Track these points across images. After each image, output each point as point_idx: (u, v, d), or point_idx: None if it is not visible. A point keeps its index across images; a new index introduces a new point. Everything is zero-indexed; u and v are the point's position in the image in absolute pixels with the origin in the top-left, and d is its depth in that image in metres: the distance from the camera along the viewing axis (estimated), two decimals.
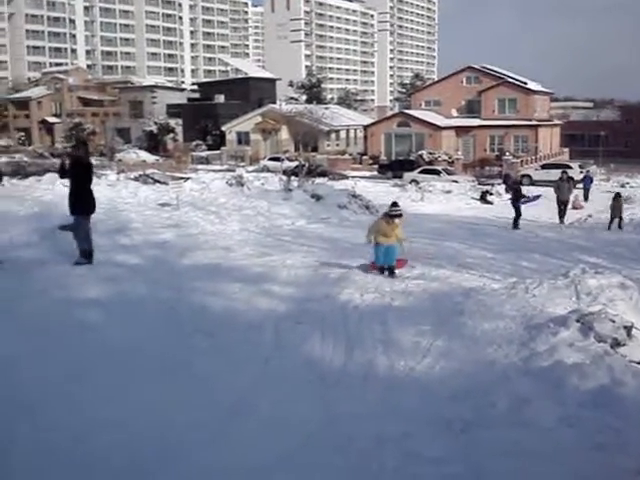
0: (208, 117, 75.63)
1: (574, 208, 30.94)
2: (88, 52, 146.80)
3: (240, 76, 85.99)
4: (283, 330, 8.31)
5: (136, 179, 27.25)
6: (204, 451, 5.21)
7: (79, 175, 12.01)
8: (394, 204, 12.91)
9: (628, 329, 6.87)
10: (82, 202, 11.96)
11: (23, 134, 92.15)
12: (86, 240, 12.15)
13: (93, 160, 12.83)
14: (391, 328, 8.15)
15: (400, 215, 12.71)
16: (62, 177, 12.49)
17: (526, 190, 23.67)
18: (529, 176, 46.03)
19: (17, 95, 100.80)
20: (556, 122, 78.38)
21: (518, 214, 22.77)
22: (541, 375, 5.95)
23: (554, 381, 5.74)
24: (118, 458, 5.06)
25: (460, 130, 67.51)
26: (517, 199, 23.26)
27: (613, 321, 6.91)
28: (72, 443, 5.28)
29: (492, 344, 7.18)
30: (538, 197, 23.70)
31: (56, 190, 20.91)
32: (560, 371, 5.91)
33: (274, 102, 76.26)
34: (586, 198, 35.47)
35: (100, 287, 10.36)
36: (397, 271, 12.23)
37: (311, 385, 6.51)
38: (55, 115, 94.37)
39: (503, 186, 40.74)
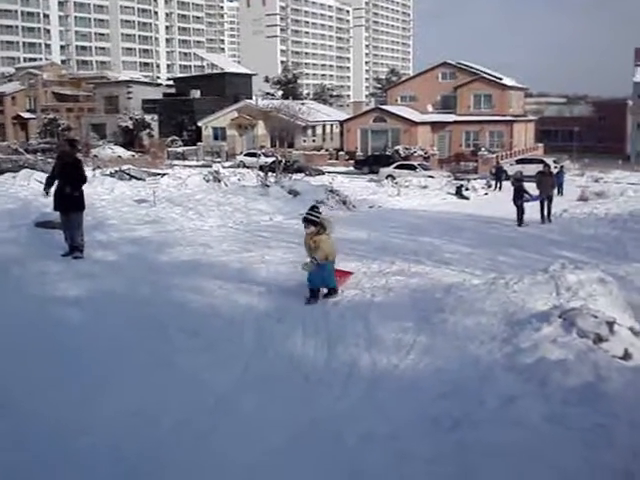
0: (184, 112, 75.35)
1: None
2: (62, 47, 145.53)
3: (216, 71, 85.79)
4: (264, 328, 8.25)
5: (112, 175, 27.03)
6: (189, 451, 5.15)
7: (71, 174, 12.14)
8: (313, 208, 10.07)
9: (610, 325, 6.87)
10: (77, 199, 12.25)
11: None
12: (81, 235, 12.39)
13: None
14: (373, 325, 8.10)
15: (315, 221, 9.69)
16: (50, 182, 12.58)
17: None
18: (505, 171, 46.18)
19: None
20: (530, 118, 79.01)
21: (521, 211, 22.07)
22: (526, 372, 5.94)
23: (539, 378, 5.72)
24: (101, 460, 4.98)
25: (436, 126, 67.83)
26: (520, 196, 22.40)
27: (595, 317, 6.91)
28: (50, 445, 5.19)
29: (475, 340, 7.15)
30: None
31: (31, 186, 20.69)
32: (544, 368, 5.90)
33: (250, 97, 76.11)
34: (560, 192, 35.70)
35: (78, 284, 10.25)
36: (338, 289, 9.94)
37: (294, 383, 6.46)
38: (29, 111, 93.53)
39: (493, 182, 40.92)
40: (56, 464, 4.93)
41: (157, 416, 5.74)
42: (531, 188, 23.25)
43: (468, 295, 9.29)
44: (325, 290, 9.83)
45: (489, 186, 40.98)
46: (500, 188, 39.37)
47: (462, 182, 39.84)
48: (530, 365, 6.11)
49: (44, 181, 12.90)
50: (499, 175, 41.20)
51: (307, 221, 9.73)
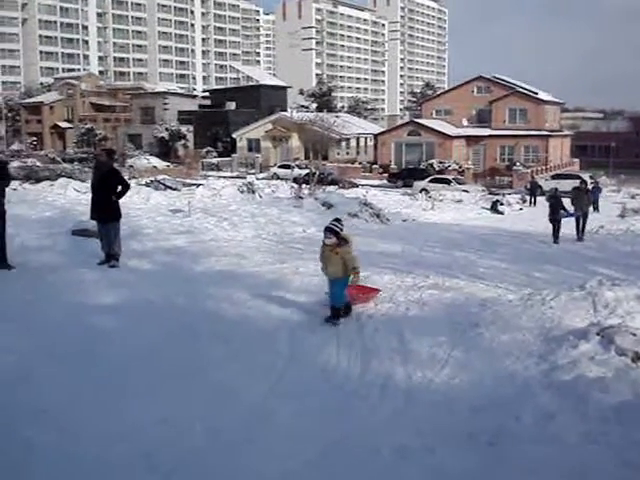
0: (219, 124, 75.83)
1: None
2: (101, 58, 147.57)
3: (251, 83, 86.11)
4: (298, 339, 8.25)
5: (147, 185, 27.31)
6: (222, 460, 5.15)
7: (111, 184, 12.37)
8: (336, 220, 9.65)
9: None
10: (116, 209, 12.51)
11: (35, 139, 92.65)
12: (118, 244, 12.61)
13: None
14: (407, 339, 8.06)
15: (337, 232, 9.26)
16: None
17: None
18: (540, 186, 45.80)
19: (29, 100, 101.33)
20: (566, 133, 78.27)
21: (557, 227, 21.65)
22: (563, 389, 5.86)
23: (577, 395, 5.65)
24: (135, 468, 5.00)
25: (470, 139, 67.50)
26: (556, 212, 21.95)
27: (634, 334, 6.82)
28: (91, 450, 5.24)
29: (510, 356, 7.09)
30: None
31: (68, 195, 20.96)
32: (582, 385, 5.82)
33: (285, 110, 76.43)
34: (596, 209, 35.30)
35: (113, 292, 10.34)
36: (359, 308, 9.57)
37: (328, 395, 6.44)
38: (67, 120, 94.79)
39: (528, 197, 40.57)
40: (93, 470, 4.96)
41: (190, 424, 5.75)
42: (566, 204, 22.98)
43: (503, 310, 9.22)
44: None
45: (524, 201, 40.62)
46: (535, 203, 39.03)
47: (497, 197, 39.53)
48: (568, 382, 6.03)
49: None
50: (534, 190, 40.84)
51: (330, 230, 9.32)
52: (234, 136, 73.91)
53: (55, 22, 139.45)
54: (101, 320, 8.87)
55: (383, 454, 5.14)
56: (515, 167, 60.29)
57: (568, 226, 22.30)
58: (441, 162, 61.24)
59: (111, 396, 6.34)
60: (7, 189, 11.44)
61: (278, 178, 48.32)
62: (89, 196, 13.67)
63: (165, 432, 5.58)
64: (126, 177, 14.74)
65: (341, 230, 9.37)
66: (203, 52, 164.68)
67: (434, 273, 13.04)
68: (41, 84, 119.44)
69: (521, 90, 69.43)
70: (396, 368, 7.07)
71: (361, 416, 5.93)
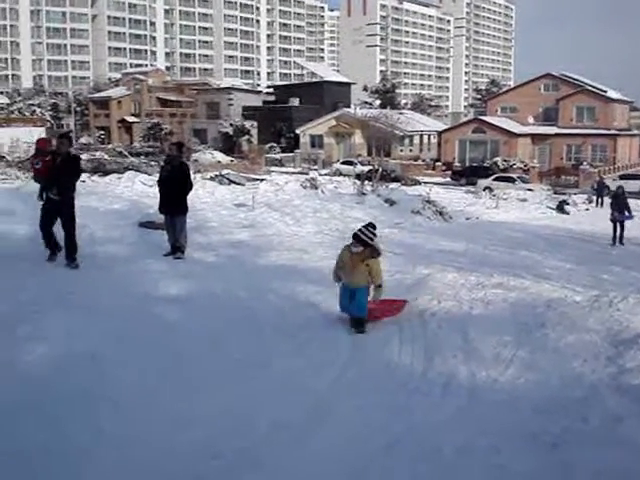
0: (283, 120, 76.22)
1: None
2: (167, 54, 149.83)
3: (315, 80, 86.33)
4: (360, 335, 8.25)
5: (212, 179, 27.59)
6: (285, 452, 5.20)
7: (179, 179, 12.60)
8: (369, 225, 8.75)
9: None
10: (184, 203, 12.79)
11: (103, 133, 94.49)
12: (184, 237, 12.86)
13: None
14: (471, 337, 8.00)
15: (366, 242, 8.48)
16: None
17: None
18: (607, 187, 44.83)
19: (98, 95, 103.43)
20: (636, 132, 76.33)
21: (622, 228, 21.09)
22: (632, 392, 5.74)
23: None
24: (199, 456, 5.09)
25: (536, 138, 66.39)
26: (620, 212, 21.38)
27: None
28: (155, 438, 5.35)
29: (577, 358, 6.97)
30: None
31: (135, 188, 21.36)
32: None
33: (348, 106, 76.38)
34: None
35: (179, 284, 10.49)
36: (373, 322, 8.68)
37: (391, 391, 6.43)
38: (134, 115, 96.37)
39: (594, 197, 39.73)
40: (159, 456, 5.06)
41: (253, 416, 5.81)
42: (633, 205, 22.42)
43: (570, 311, 9.09)
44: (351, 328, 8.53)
45: (590, 201, 39.77)
46: (602, 204, 38.15)
47: (564, 197, 38.80)
48: (636, 386, 5.92)
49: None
50: (601, 190, 39.90)
51: (358, 240, 8.46)
52: (297, 132, 74.19)
53: (124, 18, 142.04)
54: (166, 310, 9.03)
55: (445, 452, 5.11)
56: (582, 166, 59.10)
57: (633, 227, 21.77)
58: (506, 160, 60.36)
59: (177, 384, 6.46)
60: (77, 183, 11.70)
61: (341, 174, 48.30)
62: (156, 189, 13.89)
63: (230, 422, 5.66)
64: (192, 171, 14.93)
65: (372, 240, 8.50)
66: (268, 48, 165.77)
67: (498, 272, 12.89)
68: (109, 79, 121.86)
69: (589, 88, 68.00)
70: (459, 366, 7.03)
71: (423, 413, 5.91)
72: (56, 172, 10.81)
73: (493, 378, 6.68)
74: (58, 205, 11.02)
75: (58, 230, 11.25)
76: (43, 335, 7.67)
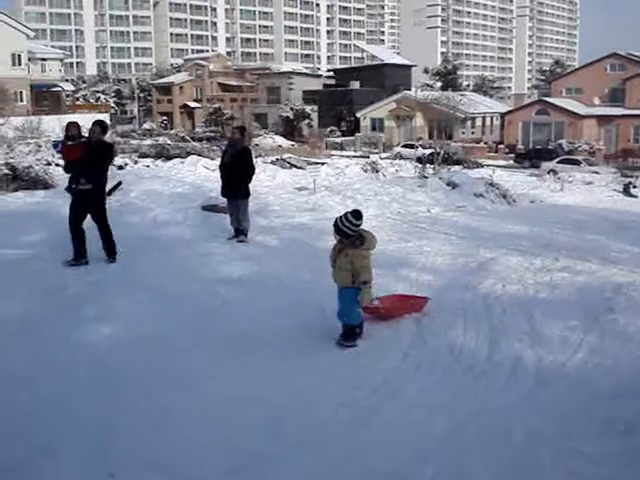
0: (343, 103, 76.08)
1: None
2: (228, 39, 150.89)
3: (376, 62, 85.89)
4: (423, 318, 8.17)
5: (273, 163, 27.73)
6: (349, 432, 5.21)
7: (242, 163, 12.59)
8: (353, 212, 7.14)
9: None
10: (247, 187, 12.79)
11: (165, 118, 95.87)
12: (247, 220, 12.89)
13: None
14: (537, 321, 7.86)
15: (347, 234, 7.05)
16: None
17: None
18: None
19: (160, 81, 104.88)
20: None
21: None
22: None
23: None
24: (265, 433, 5.13)
25: (602, 119, 64.82)
26: None
27: None
28: (221, 417, 5.41)
29: None
30: None
31: (198, 172, 21.58)
32: None
33: (409, 89, 75.82)
34: None
35: (242, 266, 10.58)
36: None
37: (456, 374, 6.37)
38: (196, 100, 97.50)
39: None
40: (227, 437, 5.11)
41: (317, 397, 5.83)
42: None
43: (639, 296, 8.86)
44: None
45: None
46: None
47: (631, 179, 37.82)
48: None
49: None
50: None
51: (334, 228, 7.16)
52: (358, 115, 73.99)
53: (185, 4, 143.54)
54: (230, 292, 9.11)
55: (514, 436, 5.05)
56: None
57: None
58: (570, 142, 59.17)
59: (242, 365, 6.52)
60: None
61: (401, 158, 48.00)
62: (218, 173, 13.99)
63: (295, 403, 5.69)
64: (253, 155, 14.96)
65: (350, 229, 7.01)
66: (328, 32, 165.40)
67: (564, 256, 12.62)
68: (171, 65, 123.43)
69: None
70: (526, 350, 6.92)
71: (490, 397, 5.84)
72: (86, 161, 9.92)
73: (560, 362, 6.56)
74: (87, 197, 10.16)
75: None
76: (109, 316, 7.84)
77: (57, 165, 18.79)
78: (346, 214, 7.09)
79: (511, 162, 56.10)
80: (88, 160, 9.91)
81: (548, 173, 42.62)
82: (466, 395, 5.87)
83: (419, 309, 8.25)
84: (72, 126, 10.29)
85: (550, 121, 64.39)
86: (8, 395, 5.76)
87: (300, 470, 4.67)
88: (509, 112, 70.59)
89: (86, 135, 10.43)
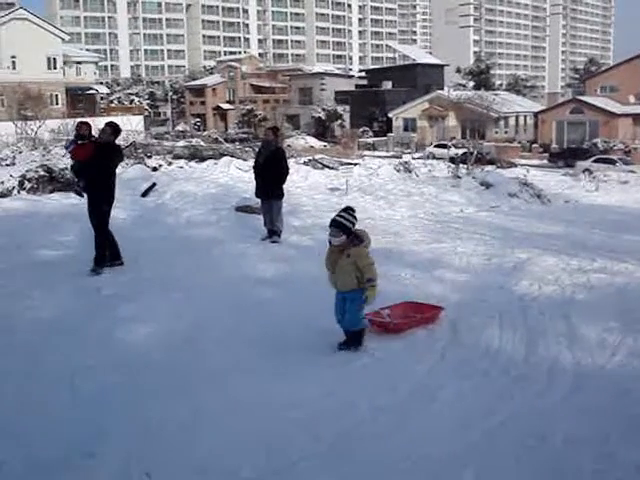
0: (375, 104, 75.97)
1: None
2: (260, 41, 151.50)
3: (408, 62, 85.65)
4: (459, 319, 8.10)
5: (305, 164, 27.69)
6: (384, 435, 5.16)
7: (275, 164, 12.62)
8: (347, 209, 7.03)
9: None
10: (280, 188, 12.77)
11: (199, 120, 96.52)
12: (280, 221, 12.88)
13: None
14: (574, 323, 7.76)
15: (349, 229, 6.88)
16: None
17: None
18: None
19: (193, 83, 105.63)
20: None
21: None
22: None
23: None
24: (302, 436, 5.11)
25: (638, 118, 63.93)
26: None
27: None
28: (254, 418, 5.41)
29: None
30: None
31: (231, 173, 21.65)
32: None
33: (441, 88, 75.47)
34: None
35: (275, 267, 10.62)
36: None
37: (492, 376, 6.31)
38: (228, 102, 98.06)
39: None
40: (260, 438, 5.10)
41: (352, 400, 5.79)
42: None
43: None
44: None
45: None
46: None
47: None
48: None
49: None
50: None
51: (337, 226, 6.86)
52: (390, 115, 73.80)
53: (217, 7, 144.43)
54: (263, 292, 9.15)
55: (551, 439, 4.97)
56: None
57: None
58: (606, 141, 58.44)
59: (276, 366, 6.52)
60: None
61: (434, 158, 47.75)
62: (251, 174, 14.03)
63: (330, 405, 5.66)
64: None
65: (353, 224, 6.90)
66: (360, 32, 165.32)
67: (601, 257, 12.46)
68: (204, 67, 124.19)
69: None
70: (563, 352, 6.83)
71: (527, 400, 5.77)
72: (92, 162, 9.63)
73: (599, 365, 6.47)
74: (91, 199, 9.93)
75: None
76: (145, 316, 7.90)
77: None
78: (341, 212, 6.98)
79: (545, 162, 55.54)
80: (94, 161, 9.64)
81: (583, 173, 42.11)
82: (503, 397, 5.81)
83: (433, 321, 7.93)
84: (83, 125, 10.10)
85: (584, 120, 63.67)
86: (48, 395, 5.82)
87: (339, 473, 4.64)
88: (543, 111, 69.98)
89: (96, 136, 10.22)
